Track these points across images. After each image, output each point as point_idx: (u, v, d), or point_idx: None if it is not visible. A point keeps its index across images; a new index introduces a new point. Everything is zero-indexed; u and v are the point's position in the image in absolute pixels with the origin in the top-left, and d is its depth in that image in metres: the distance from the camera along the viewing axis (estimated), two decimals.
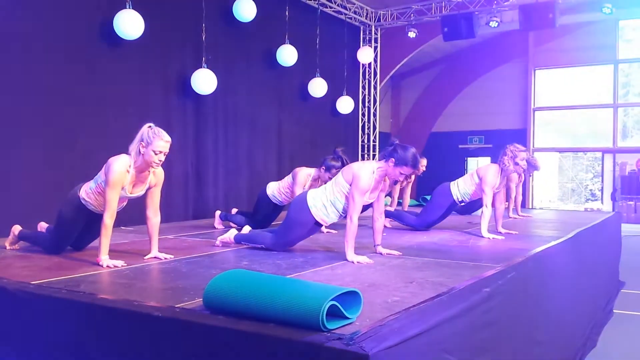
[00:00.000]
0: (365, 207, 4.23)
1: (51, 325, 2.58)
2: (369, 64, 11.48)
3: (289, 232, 4.13)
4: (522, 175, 6.97)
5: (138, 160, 3.57)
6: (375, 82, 11.69)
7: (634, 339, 5.12)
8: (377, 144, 11.74)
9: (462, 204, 5.58)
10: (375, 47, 11.53)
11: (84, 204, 3.73)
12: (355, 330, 1.98)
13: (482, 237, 5.03)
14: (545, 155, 17.72)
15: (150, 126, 3.60)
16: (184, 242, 4.75)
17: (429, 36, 12.76)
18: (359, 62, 11.21)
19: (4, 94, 5.39)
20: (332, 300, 2.02)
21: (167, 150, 3.60)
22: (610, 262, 6.64)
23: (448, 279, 3.03)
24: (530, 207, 15.82)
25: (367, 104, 11.63)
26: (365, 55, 10.96)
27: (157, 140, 3.52)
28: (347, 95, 10.42)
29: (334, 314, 2.06)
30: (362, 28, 11.42)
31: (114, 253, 3.70)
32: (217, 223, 6.00)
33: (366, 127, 11.67)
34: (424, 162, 6.75)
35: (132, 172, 3.59)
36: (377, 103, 11.80)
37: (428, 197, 9.51)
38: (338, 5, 10.25)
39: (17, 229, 4.22)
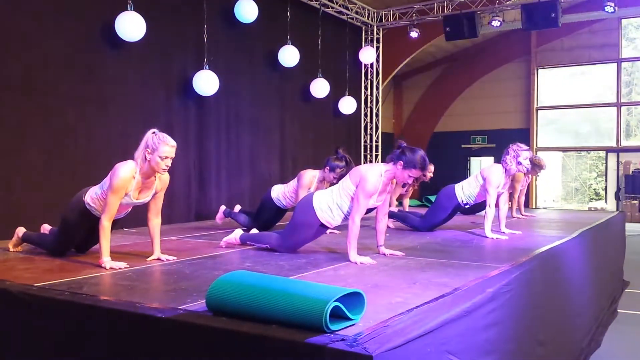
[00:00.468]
0: (369, 210, 4.21)
1: (54, 327, 2.58)
2: (371, 64, 11.47)
3: (295, 234, 4.12)
4: (529, 176, 6.94)
5: (144, 166, 3.55)
6: (378, 83, 11.68)
7: (638, 339, 5.10)
8: (379, 144, 11.73)
9: (467, 206, 5.56)
10: (377, 47, 11.52)
11: (88, 209, 3.72)
12: (358, 332, 1.97)
13: (486, 237, 5.01)
14: (549, 154, 17.67)
15: (154, 132, 3.57)
16: (187, 244, 4.74)
17: (431, 36, 12.76)
18: (361, 63, 11.20)
19: (5, 95, 5.40)
20: (335, 301, 2.01)
21: (173, 155, 3.58)
22: (614, 262, 6.62)
23: (452, 280, 3.02)
24: (534, 206, 15.80)
25: (369, 105, 11.62)
26: (367, 55, 10.95)
27: (162, 146, 3.50)
28: (349, 95, 10.41)
29: (337, 315, 2.05)
30: (363, 28, 11.41)
31: (116, 255, 3.70)
32: (219, 218, 5.98)
33: (368, 127, 11.66)
34: (431, 167, 6.73)
35: (138, 178, 3.58)
36: (380, 103, 11.79)
37: (431, 197, 9.53)
38: (340, 5, 10.24)
39: (21, 230, 4.23)
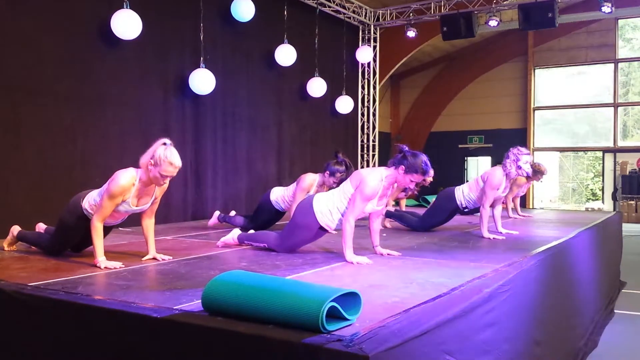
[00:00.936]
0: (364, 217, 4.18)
1: (48, 327, 2.56)
2: (368, 64, 11.46)
3: (293, 235, 4.10)
4: (530, 182, 6.93)
5: (145, 174, 3.53)
6: (375, 82, 11.67)
7: (635, 339, 5.10)
8: (376, 143, 11.72)
9: (466, 209, 5.55)
10: (375, 47, 11.52)
11: (86, 215, 3.68)
12: (355, 332, 1.96)
13: (483, 237, 5.01)
14: (546, 154, 17.71)
15: (164, 143, 3.50)
16: (183, 243, 4.73)
17: (428, 35, 12.76)
18: (358, 62, 11.19)
19: (1, 94, 5.37)
20: (331, 301, 2.00)
21: (175, 174, 3.54)
22: (611, 262, 6.62)
23: (449, 280, 3.01)
24: (531, 207, 15.82)
25: (366, 104, 11.61)
26: (365, 54, 10.94)
27: (166, 166, 3.44)
28: (346, 95, 10.41)
29: (333, 315, 2.04)
30: (361, 27, 11.41)
31: (111, 254, 3.68)
32: (212, 222, 5.93)
33: (365, 126, 11.65)
34: (431, 172, 6.70)
35: (138, 185, 3.55)
36: (377, 103, 11.79)
37: (428, 197, 9.52)
38: (337, 4, 10.23)
39: (16, 229, 4.20)
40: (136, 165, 3.57)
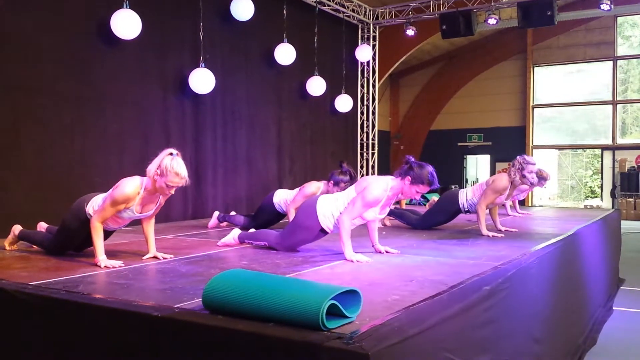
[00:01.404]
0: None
1: (49, 326, 2.57)
2: (368, 62, 11.46)
3: (294, 235, 4.11)
4: (532, 188, 6.94)
5: (151, 184, 3.53)
6: (374, 81, 11.67)
7: (634, 336, 5.11)
8: (376, 142, 11.73)
9: (468, 212, 5.57)
10: (374, 45, 11.51)
11: (89, 219, 3.69)
12: (355, 330, 1.97)
13: (482, 235, 5.02)
14: (545, 152, 17.72)
15: (171, 154, 3.51)
16: (183, 242, 4.74)
17: (427, 34, 12.78)
18: (358, 61, 11.19)
19: (0, 93, 5.37)
20: (331, 299, 2.01)
21: (181, 185, 3.54)
22: (610, 259, 6.63)
23: (448, 277, 3.02)
24: (530, 204, 15.83)
25: (365, 102, 11.61)
26: (364, 53, 10.94)
27: (172, 176, 3.45)
28: (345, 93, 10.41)
29: (333, 313, 2.05)
30: (360, 26, 11.40)
31: (112, 253, 3.69)
32: (212, 224, 5.93)
33: (365, 125, 11.66)
34: (436, 183, 6.68)
35: (143, 194, 3.55)
36: (376, 101, 11.79)
37: (427, 196, 9.51)
38: (336, 3, 10.23)
39: (17, 228, 4.20)
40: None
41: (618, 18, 15.79)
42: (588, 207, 15.67)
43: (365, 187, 3.75)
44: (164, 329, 2.23)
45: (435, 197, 6.69)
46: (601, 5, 9.81)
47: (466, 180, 18.52)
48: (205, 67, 7.18)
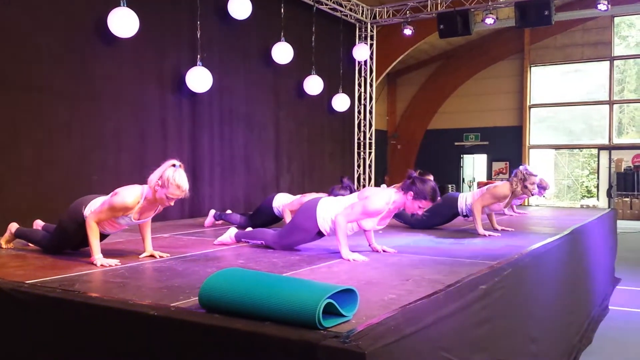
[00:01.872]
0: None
1: (45, 324, 2.56)
2: (365, 62, 11.46)
3: (292, 235, 4.11)
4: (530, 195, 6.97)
5: (151, 194, 3.51)
6: (371, 80, 11.67)
7: (629, 335, 5.13)
8: (373, 141, 11.73)
9: (466, 217, 5.58)
10: (371, 45, 11.51)
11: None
12: (351, 328, 1.97)
13: (479, 234, 5.03)
14: (541, 152, 17.75)
15: (174, 165, 3.48)
16: (180, 241, 4.73)
17: (424, 33, 12.78)
18: (355, 60, 11.19)
19: None
20: (328, 298, 2.01)
21: (182, 197, 3.52)
22: (606, 259, 6.65)
23: (444, 277, 3.02)
24: (526, 204, 15.85)
25: (363, 102, 11.61)
26: (361, 52, 10.94)
27: (173, 189, 3.43)
28: (343, 92, 10.40)
29: (330, 312, 2.05)
30: (357, 25, 11.40)
31: (108, 252, 3.68)
32: (208, 223, 5.92)
33: (362, 124, 11.66)
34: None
35: (143, 203, 3.54)
36: (373, 100, 11.79)
37: None
38: (334, 2, 10.22)
39: (13, 226, 4.19)
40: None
41: (615, 18, 15.82)
42: (584, 206, 15.69)
43: (367, 197, 3.77)
44: (160, 327, 2.22)
45: None
46: (598, 5, 9.82)
47: (463, 179, 18.55)
48: (202, 65, 7.17)
